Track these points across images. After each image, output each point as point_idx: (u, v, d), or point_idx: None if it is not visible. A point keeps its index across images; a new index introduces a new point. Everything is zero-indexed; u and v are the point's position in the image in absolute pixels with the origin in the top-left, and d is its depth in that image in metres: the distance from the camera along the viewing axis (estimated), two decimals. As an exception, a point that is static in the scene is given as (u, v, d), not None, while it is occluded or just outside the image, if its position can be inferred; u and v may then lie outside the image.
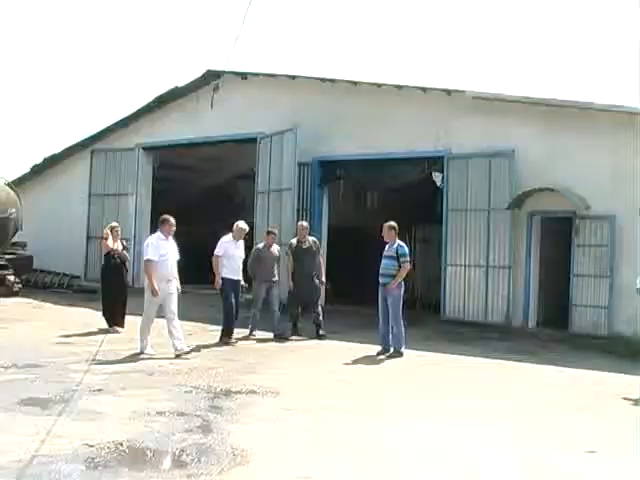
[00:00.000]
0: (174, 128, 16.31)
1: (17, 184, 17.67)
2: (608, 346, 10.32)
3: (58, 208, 17.98)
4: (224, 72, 14.88)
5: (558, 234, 11.91)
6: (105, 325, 10.90)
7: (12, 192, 16.36)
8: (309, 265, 10.76)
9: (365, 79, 13.58)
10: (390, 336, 9.36)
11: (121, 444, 5.06)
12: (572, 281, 11.34)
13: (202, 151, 16.91)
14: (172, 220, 9.09)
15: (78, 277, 17.42)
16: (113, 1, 40.77)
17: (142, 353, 8.78)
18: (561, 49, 37.82)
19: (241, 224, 10.38)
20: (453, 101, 12.43)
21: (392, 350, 9.32)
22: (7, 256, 15.88)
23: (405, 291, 9.71)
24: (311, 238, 11.01)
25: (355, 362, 8.92)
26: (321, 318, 10.71)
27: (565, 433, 5.92)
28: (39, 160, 18.95)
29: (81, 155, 18.09)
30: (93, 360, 8.27)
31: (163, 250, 8.85)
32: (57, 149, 18.63)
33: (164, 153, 17.12)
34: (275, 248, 10.90)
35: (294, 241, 11.00)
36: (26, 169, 19.19)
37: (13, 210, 15.84)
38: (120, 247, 11.22)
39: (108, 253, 11.01)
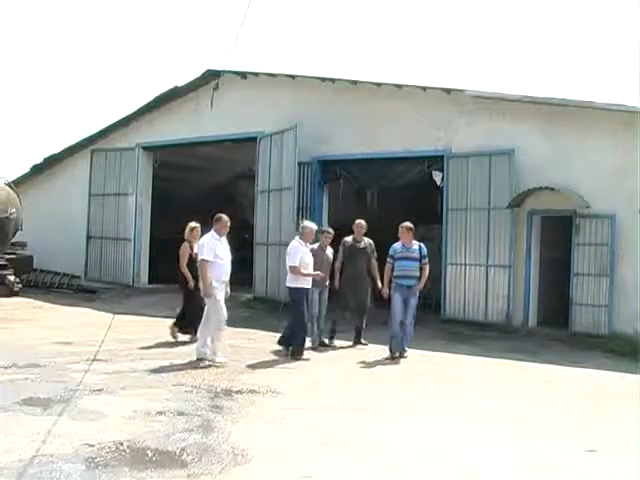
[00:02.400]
0: (174, 128, 16.29)
1: (17, 184, 17.68)
2: (608, 345, 10.31)
3: (58, 208, 17.97)
4: (224, 72, 14.86)
5: (558, 233, 11.90)
6: (170, 336, 9.93)
7: (12, 192, 16.39)
8: (362, 266, 10.09)
9: (365, 78, 13.55)
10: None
11: (121, 444, 5.06)
12: (572, 280, 11.32)
13: (202, 151, 16.90)
14: (225, 218, 8.65)
15: (78, 277, 17.42)
16: (113, 1, 40.78)
17: (203, 360, 8.26)
18: (561, 48, 37.84)
19: (309, 224, 9.48)
20: (453, 100, 12.42)
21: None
22: (7, 256, 15.88)
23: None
24: (367, 239, 10.27)
25: (355, 361, 8.92)
26: (364, 325, 10.21)
27: (565, 432, 5.92)
28: (39, 160, 18.96)
29: (81, 155, 18.06)
30: (93, 360, 8.27)
31: (218, 250, 8.44)
32: (57, 149, 18.63)
33: (164, 153, 17.10)
34: (329, 250, 9.98)
35: (349, 239, 10.24)
36: (26, 169, 19.20)
37: (13, 210, 15.85)
38: None
39: (190, 256, 9.94)
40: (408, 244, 9.30)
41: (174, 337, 9.83)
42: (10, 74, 39.12)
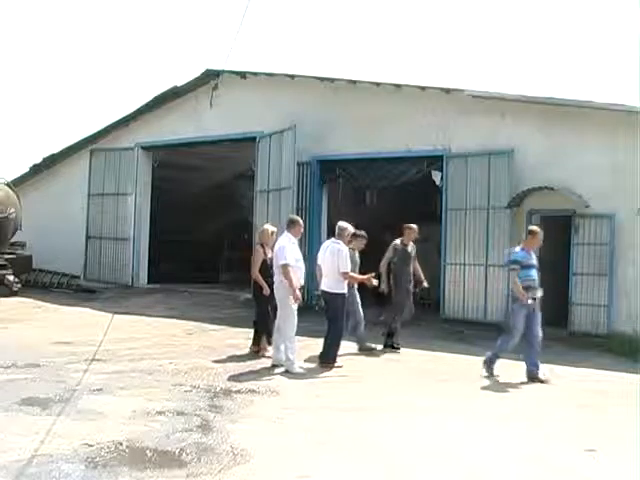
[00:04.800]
0: (173, 127, 16.29)
1: (17, 184, 17.69)
2: (608, 345, 10.32)
3: (57, 208, 17.95)
4: (223, 71, 14.88)
5: (557, 233, 11.89)
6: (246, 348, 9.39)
7: (11, 192, 16.38)
8: (411, 272, 9.77)
9: (364, 78, 13.56)
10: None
11: (121, 444, 5.06)
12: (571, 280, 11.33)
13: (201, 150, 16.89)
14: (300, 221, 8.61)
15: (77, 277, 17.41)
16: (113, 1, 40.76)
17: (277, 366, 8.15)
18: (560, 48, 37.83)
19: (348, 225, 8.79)
20: (452, 100, 12.42)
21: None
22: (6, 256, 15.87)
23: None
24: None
25: (355, 362, 8.91)
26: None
27: (565, 432, 5.92)
28: (38, 160, 18.96)
29: (80, 155, 18.06)
30: (93, 360, 8.26)
31: (297, 254, 8.31)
32: (56, 149, 18.65)
33: (163, 153, 17.10)
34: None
35: (398, 243, 9.71)
36: (25, 169, 19.21)
37: (12, 210, 15.86)
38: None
39: (264, 262, 9.15)
40: (531, 250, 8.58)
41: (265, 352, 8.97)
42: (10, 74, 39.13)
